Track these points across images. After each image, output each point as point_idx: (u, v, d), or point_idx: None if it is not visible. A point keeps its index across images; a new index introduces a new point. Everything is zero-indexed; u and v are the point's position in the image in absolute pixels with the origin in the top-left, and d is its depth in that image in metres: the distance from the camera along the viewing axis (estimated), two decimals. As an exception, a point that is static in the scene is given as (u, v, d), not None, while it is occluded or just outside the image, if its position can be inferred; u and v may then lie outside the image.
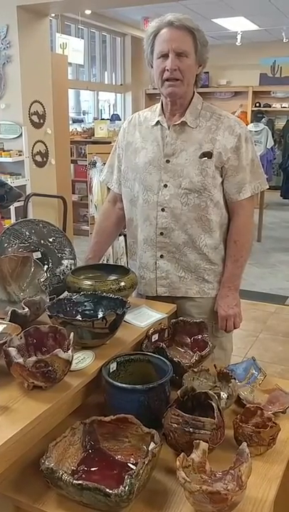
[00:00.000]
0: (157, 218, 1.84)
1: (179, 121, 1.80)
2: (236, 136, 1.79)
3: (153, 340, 1.59)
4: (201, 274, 1.88)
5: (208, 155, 1.77)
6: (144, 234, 1.89)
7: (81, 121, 8.54)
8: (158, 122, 1.85)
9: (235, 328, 1.92)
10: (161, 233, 1.85)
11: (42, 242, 1.82)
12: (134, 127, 1.93)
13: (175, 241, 1.84)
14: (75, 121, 8.33)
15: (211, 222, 1.83)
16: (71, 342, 1.27)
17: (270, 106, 10.16)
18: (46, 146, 5.25)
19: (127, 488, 1.00)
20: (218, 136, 1.78)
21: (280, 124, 10.08)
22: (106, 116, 9.65)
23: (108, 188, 2.10)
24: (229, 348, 2.00)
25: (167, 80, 1.73)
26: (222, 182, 1.82)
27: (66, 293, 1.71)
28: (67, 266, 1.82)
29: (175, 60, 1.70)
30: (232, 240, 1.87)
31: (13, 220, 4.49)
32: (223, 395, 1.38)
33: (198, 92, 1.88)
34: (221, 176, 1.81)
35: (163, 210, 1.82)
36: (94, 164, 4.70)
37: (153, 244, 1.87)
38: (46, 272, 1.73)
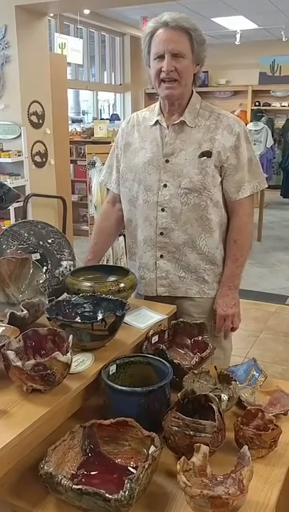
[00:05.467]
0: (157, 218, 1.83)
1: (178, 121, 1.79)
2: (235, 135, 1.78)
3: (153, 341, 1.58)
4: (201, 275, 1.87)
5: (207, 154, 1.76)
6: (144, 234, 1.88)
7: (80, 121, 8.53)
8: (157, 122, 1.84)
9: (234, 328, 1.92)
10: (161, 233, 1.84)
11: (41, 243, 1.81)
12: (133, 127, 1.92)
13: (175, 241, 1.83)
14: (74, 121, 8.32)
15: (211, 222, 1.82)
16: (70, 344, 1.26)
17: (269, 105, 10.15)
18: (45, 147, 5.23)
19: (127, 492, 0.99)
20: (217, 135, 1.77)
21: (279, 123, 10.10)
22: (105, 116, 9.65)
23: (108, 189, 2.09)
24: (228, 348, 1.99)
25: (164, 80, 1.72)
26: (221, 181, 1.81)
27: (65, 294, 1.70)
28: (66, 267, 1.81)
29: (171, 61, 1.69)
30: (232, 239, 1.86)
31: (12, 221, 4.48)
32: (224, 397, 1.37)
33: (197, 92, 1.87)
34: (221, 175, 1.80)
35: (163, 210, 1.81)
36: (93, 164, 4.69)
37: (153, 244, 1.86)
38: (45, 273, 1.72)
